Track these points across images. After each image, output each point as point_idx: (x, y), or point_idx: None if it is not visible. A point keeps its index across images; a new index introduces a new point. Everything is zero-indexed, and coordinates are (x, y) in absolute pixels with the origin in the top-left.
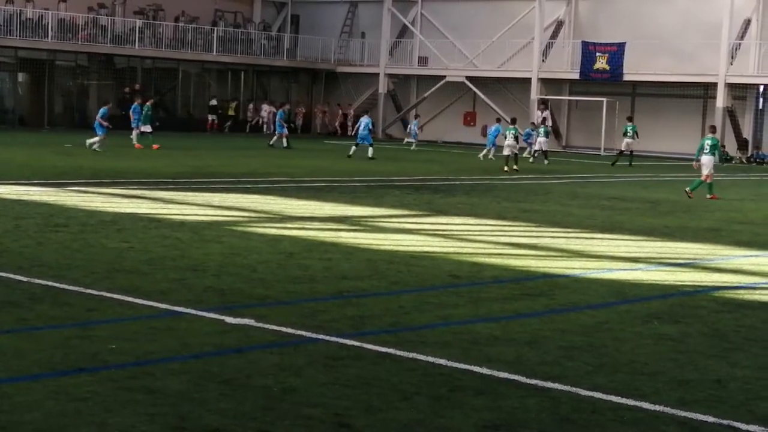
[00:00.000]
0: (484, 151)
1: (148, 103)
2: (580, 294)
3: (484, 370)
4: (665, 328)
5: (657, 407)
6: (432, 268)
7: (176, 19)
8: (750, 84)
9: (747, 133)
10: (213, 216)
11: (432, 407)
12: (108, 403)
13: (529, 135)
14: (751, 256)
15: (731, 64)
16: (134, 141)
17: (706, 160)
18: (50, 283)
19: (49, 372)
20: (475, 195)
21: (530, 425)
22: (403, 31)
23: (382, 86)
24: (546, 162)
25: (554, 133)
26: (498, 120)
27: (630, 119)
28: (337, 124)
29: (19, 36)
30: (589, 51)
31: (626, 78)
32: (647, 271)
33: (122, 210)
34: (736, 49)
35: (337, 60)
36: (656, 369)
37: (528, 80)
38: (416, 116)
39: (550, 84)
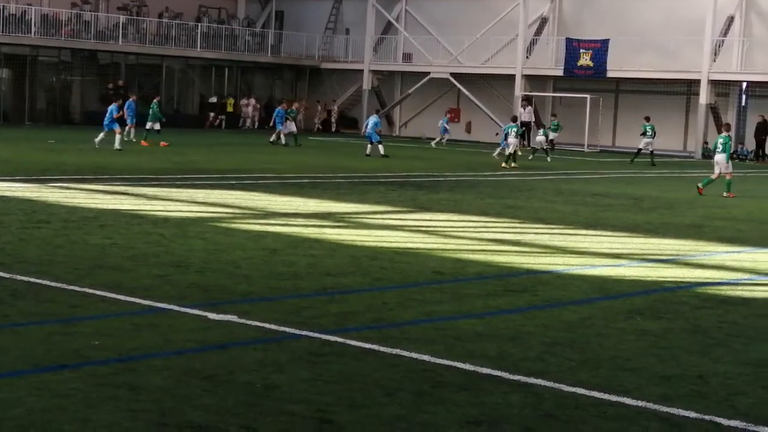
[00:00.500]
0: (498, 150)
1: (155, 100)
2: (563, 290)
3: (467, 366)
4: (648, 323)
5: (639, 403)
6: (415, 264)
7: (160, 15)
8: (733, 81)
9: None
10: (197, 212)
11: (415, 403)
12: (91, 400)
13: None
14: (733, 252)
15: (714, 61)
16: (131, 137)
17: (720, 158)
18: (32, 280)
19: (31, 368)
20: (459, 191)
21: (513, 421)
22: (388, 28)
23: (367, 83)
24: (548, 159)
25: (538, 129)
26: (514, 119)
27: (648, 119)
28: (317, 120)
29: (2, 32)
30: (572, 48)
31: (610, 75)
32: (630, 267)
33: (105, 206)
34: (719, 46)
35: (322, 56)
36: (639, 365)
37: (512, 77)
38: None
39: (534, 80)
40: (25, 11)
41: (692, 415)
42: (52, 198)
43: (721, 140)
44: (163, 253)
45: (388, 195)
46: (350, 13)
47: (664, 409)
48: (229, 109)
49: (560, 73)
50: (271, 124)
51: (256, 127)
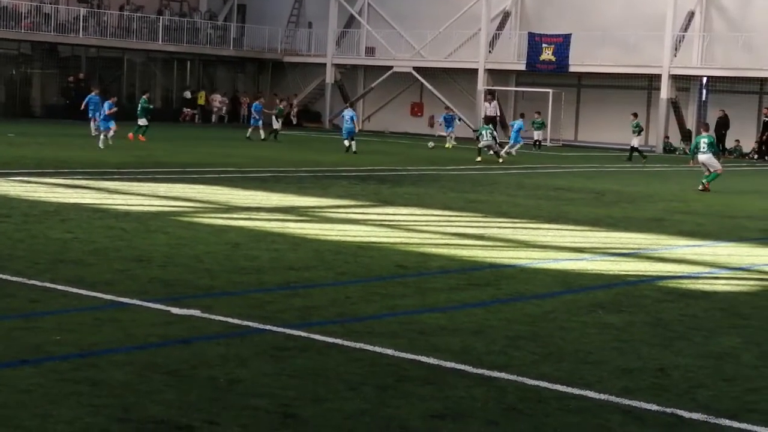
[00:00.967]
0: (507, 147)
1: (144, 96)
2: (526, 284)
3: (431, 360)
4: (610, 317)
5: (601, 396)
6: (379, 258)
7: (121, 8)
8: (693, 75)
9: (690, 124)
10: (158, 206)
11: (379, 397)
12: (52, 395)
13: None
14: (693, 245)
15: (675, 56)
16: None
17: (706, 158)
18: None
19: None
20: (421, 185)
21: (477, 414)
22: (350, 21)
23: (329, 76)
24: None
25: (502, 123)
26: (522, 115)
27: (635, 115)
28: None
29: None
30: (535, 42)
31: (572, 69)
32: (592, 261)
33: (66, 200)
34: (680, 41)
35: (284, 50)
36: (601, 358)
37: (475, 71)
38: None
39: (496, 75)
40: None
41: (654, 407)
42: (13, 192)
43: (704, 140)
44: (125, 247)
45: (351, 189)
46: (313, 7)
47: (626, 401)
48: (201, 101)
49: (523, 67)
50: (251, 119)
51: (226, 121)
